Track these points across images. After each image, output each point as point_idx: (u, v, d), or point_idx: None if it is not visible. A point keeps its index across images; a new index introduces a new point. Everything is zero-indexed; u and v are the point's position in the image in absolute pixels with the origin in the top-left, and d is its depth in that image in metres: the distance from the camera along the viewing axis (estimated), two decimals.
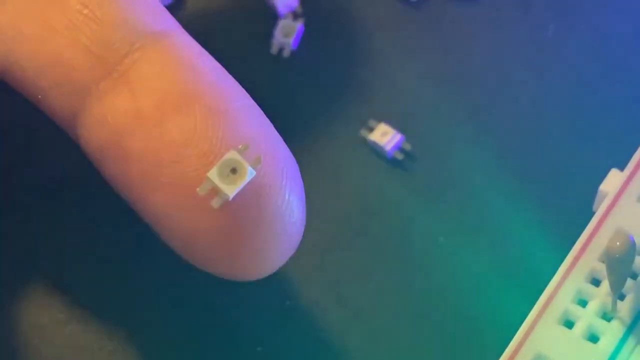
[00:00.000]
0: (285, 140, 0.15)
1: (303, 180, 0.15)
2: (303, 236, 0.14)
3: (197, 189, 0.13)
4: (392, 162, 0.19)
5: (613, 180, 0.17)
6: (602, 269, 0.15)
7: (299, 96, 0.21)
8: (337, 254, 0.18)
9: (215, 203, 0.12)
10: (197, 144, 0.14)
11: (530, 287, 0.16)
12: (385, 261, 0.18)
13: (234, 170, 0.12)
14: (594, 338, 0.15)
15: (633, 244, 0.14)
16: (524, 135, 0.20)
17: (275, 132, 0.15)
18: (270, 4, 0.21)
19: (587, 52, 0.21)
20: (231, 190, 0.12)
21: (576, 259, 0.16)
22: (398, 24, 0.22)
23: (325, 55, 0.22)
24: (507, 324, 0.15)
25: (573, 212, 0.18)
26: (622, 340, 0.15)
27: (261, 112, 0.15)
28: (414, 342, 0.17)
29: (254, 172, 0.12)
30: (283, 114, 0.18)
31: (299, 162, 0.15)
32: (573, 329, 0.15)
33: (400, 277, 0.18)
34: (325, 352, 0.17)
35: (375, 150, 0.19)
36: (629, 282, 0.15)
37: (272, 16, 0.21)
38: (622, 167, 0.16)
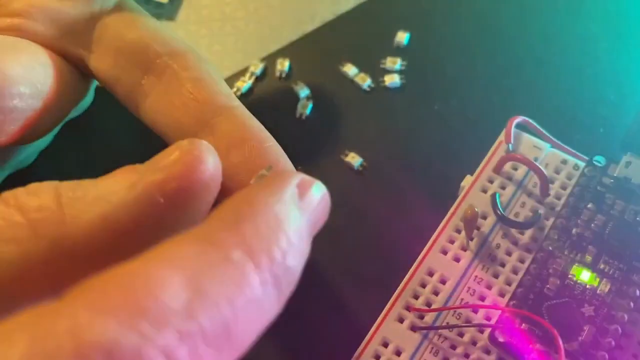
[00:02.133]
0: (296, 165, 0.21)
1: None
2: None
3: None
4: (357, 172, 0.29)
5: (468, 180, 0.27)
6: (461, 225, 0.26)
7: (308, 142, 0.30)
8: None
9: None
10: (246, 167, 0.19)
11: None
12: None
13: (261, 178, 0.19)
14: (457, 259, 0.26)
15: (476, 212, 0.26)
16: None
17: (288, 160, 0.20)
18: (295, 92, 0.32)
19: None
20: None
21: (449, 219, 0.26)
22: (365, 103, 0.31)
23: (325, 120, 0.31)
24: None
25: (448, 194, 0.27)
26: (472, 261, 0.26)
27: (280, 148, 0.21)
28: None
29: None
30: (297, 151, 0.25)
31: None
32: (449, 253, 0.26)
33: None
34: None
35: (349, 166, 0.29)
36: (475, 231, 0.26)
37: (296, 98, 0.32)
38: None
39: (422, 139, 0.31)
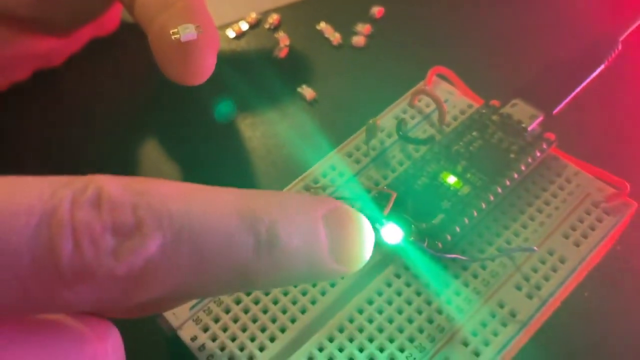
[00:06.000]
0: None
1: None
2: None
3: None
4: (308, 103, 0.36)
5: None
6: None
7: (276, 77, 0.37)
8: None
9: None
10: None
11: None
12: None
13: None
14: (358, 161, 0.32)
15: (377, 123, 0.32)
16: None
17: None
18: (277, 40, 0.40)
19: None
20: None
21: (360, 132, 0.33)
22: (332, 56, 0.39)
23: (294, 63, 0.38)
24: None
25: None
26: (369, 164, 0.32)
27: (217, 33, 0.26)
28: None
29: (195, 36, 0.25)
30: (265, 82, 0.35)
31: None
32: (352, 157, 0.32)
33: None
34: None
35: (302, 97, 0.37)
36: (378, 144, 0.33)
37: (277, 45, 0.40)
38: None
39: (371, 87, 0.36)
